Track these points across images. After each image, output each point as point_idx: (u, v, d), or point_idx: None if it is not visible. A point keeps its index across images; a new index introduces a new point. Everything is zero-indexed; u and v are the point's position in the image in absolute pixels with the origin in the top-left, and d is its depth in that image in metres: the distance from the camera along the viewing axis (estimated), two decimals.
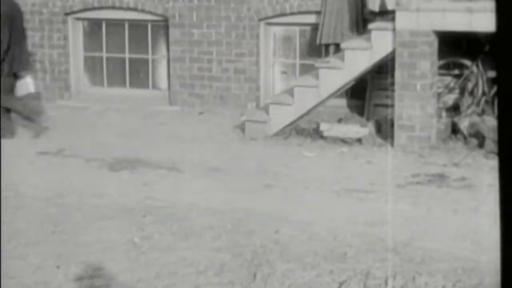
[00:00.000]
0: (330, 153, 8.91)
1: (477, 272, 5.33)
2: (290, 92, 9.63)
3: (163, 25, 11.39)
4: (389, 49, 8.93)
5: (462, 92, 9.59)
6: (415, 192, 7.38)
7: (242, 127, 9.70)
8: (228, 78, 10.98)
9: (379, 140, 9.14)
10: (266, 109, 9.72)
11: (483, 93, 9.41)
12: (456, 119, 9.18)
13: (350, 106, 10.35)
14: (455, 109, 9.49)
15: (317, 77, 9.38)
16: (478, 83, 9.46)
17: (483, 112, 9.26)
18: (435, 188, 7.54)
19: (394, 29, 8.84)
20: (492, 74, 9.41)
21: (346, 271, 5.41)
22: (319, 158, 8.70)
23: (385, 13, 9.71)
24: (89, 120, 10.67)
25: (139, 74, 11.71)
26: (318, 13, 10.31)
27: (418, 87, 8.81)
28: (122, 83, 11.79)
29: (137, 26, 11.55)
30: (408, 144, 8.81)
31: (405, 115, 8.83)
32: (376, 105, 9.84)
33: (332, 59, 9.46)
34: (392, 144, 8.90)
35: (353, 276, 5.32)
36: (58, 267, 5.53)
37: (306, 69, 10.46)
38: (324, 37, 10.04)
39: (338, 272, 5.38)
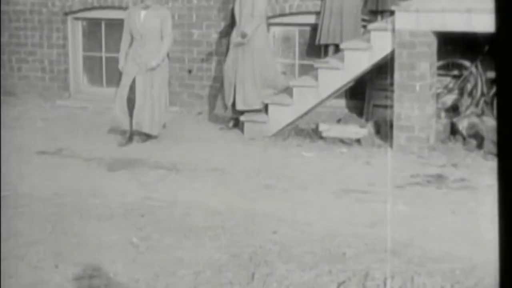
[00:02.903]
0: (329, 153, 8.91)
1: (476, 273, 5.33)
2: (289, 92, 9.63)
3: None
4: (388, 50, 8.93)
5: (461, 93, 9.59)
6: (414, 193, 7.38)
7: (241, 128, 9.70)
8: None
9: (378, 141, 9.14)
10: (265, 109, 9.72)
11: (482, 94, 9.41)
12: (455, 119, 9.18)
13: (349, 107, 10.34)
14: (454, 109, 9.49)
15: (316, 77, 9.38)
16: (477, 84, 9.46)
17: (482, 113, 9.26)
18: (434, 188, 7.54)
19: (393, 30, 8.85)
20: (491, 74, 9.41)
21: (345, 271, 5.41)
22: (318, 159, 8.70)
23: (384, 12, 9.72)
24: (88, 120, 10.66)
25: None
26: (317, 13, 10.31)
27: (417, 87, 8.81)
28: None
29: None
30: (407, 144, 8.81)
31: (404, 115, 8.83)
32: (375, 106, 9.84)
33: (331, 60, 9.46)
34: (391, 144, 8.90)
35: (352, 277, 5.32)
36: (56, 266, 5.53)
37: (305, 70, 10.45)
38: (323, 38, 10.03)
39: (337, 273, 5.38)
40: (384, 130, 9.18)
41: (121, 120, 9.32)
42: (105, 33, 11.80)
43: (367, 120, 9.70)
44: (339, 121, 9.89)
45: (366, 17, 9.96)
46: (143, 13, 9.27)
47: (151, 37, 9.21)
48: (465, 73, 9.58)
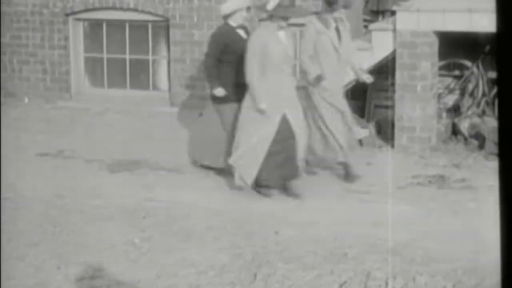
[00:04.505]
0: None
1: (477, 273, 5.33)
2: None
3: (163, 26, 11.38)
4: (389, 50, 8.93)
5: (462, 93, 9.59)
6: (416, 193, 7.38)
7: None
8: None
9: (379, 141, 9.14)
10: None
11: (484, 94, 9.40)
12: (456, 120, 9.18)
13: (350, 107, 10.32)
14: (455, 110, 9.49)
15: None
16: (478, 84, 9.46)
17: (483, 113, 9.26)
18: (436, 189, 7.53)
19: (394, 30, 8.84)
20: (492, 75, 9.41)
21: (346, 271, 5.41)
22: None
23: (385, 12, 9.72)
24: (89, 121, 10.66)
25: (140, 75, 11.70)
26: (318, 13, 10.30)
27: (419, 88, 8.80)
28: (123, 84, 11.79)
29: (137, 27, 11.55)
30: (409, 145, 8.81)
31: (406, 116, 8.83)
32: (377, 106, 9.83)
33: None
34: (392, 145, 8.90)
35: (354, 277, 5.32)
36: (58, 268, 5.53)
37: None
38: None
39: (339, 273, 5.38)
40: (385, 131, 9.17)
41: (249, 175, 7.22)
42: (106, 34, 11.79)
43: (368, 120, 9.69)
44: None
45: (367, 17, 9.96)
46: (282, 34, 7.34)
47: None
48: (467, 73, 9.58)
